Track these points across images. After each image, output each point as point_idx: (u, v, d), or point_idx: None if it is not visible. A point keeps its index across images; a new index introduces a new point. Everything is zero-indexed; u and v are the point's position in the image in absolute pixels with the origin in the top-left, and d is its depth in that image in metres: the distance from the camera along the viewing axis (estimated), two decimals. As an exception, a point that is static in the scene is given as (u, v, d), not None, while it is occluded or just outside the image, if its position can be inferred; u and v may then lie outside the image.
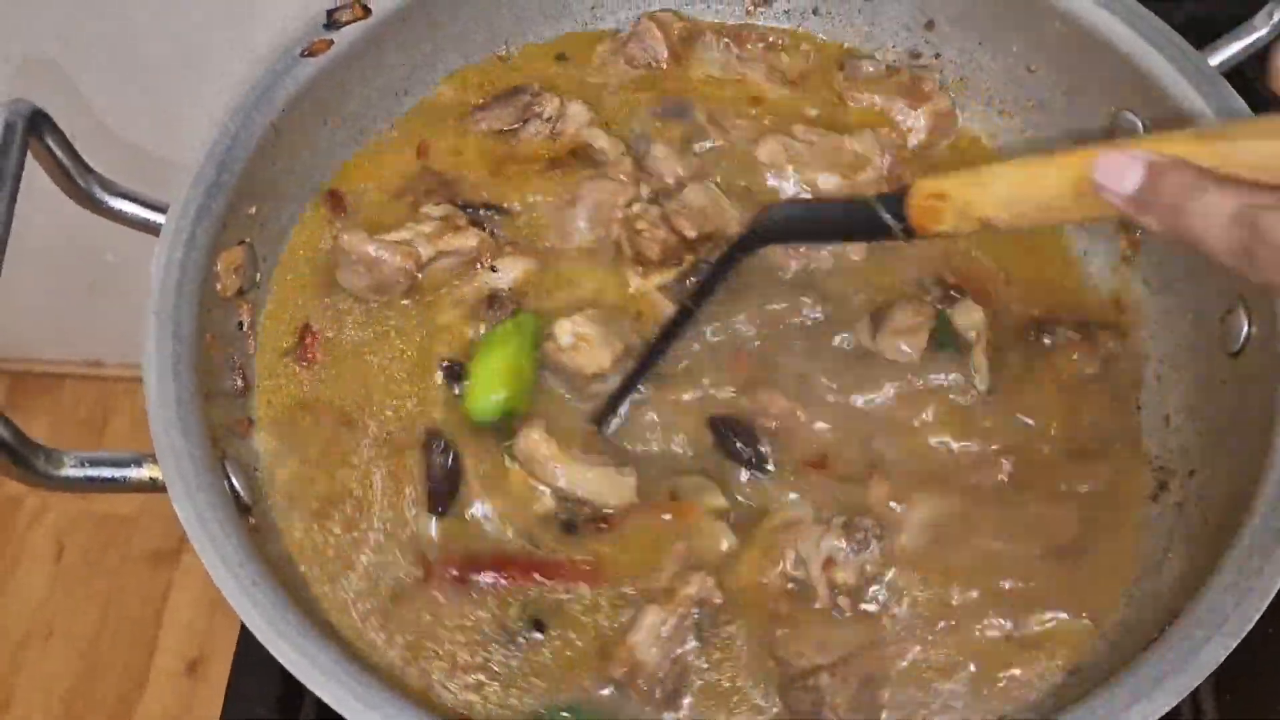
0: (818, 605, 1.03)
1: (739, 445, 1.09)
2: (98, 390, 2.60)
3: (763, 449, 1.10)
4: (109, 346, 2.55)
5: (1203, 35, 1.17)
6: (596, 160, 1.24)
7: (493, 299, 1.16)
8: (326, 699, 0.85)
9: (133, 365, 2.54)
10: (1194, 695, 1.07)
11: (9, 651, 2.37)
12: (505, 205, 1.22)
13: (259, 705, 1.10)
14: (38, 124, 1.01)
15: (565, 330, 1.10)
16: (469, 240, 1.17)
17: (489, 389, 1.10)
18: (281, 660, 0.86)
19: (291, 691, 1.10)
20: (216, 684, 2.23)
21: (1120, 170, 0.79)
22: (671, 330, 1.11)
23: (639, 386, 1.11)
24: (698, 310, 1.11)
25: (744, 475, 1.09)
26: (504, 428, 1.09)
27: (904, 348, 1.12)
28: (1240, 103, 1.11)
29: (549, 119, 1.27)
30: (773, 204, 1.10)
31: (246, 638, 1.14)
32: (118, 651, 2.37)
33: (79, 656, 2.37)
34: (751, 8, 1.35)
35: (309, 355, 1.14)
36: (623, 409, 1.11)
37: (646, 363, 1.11)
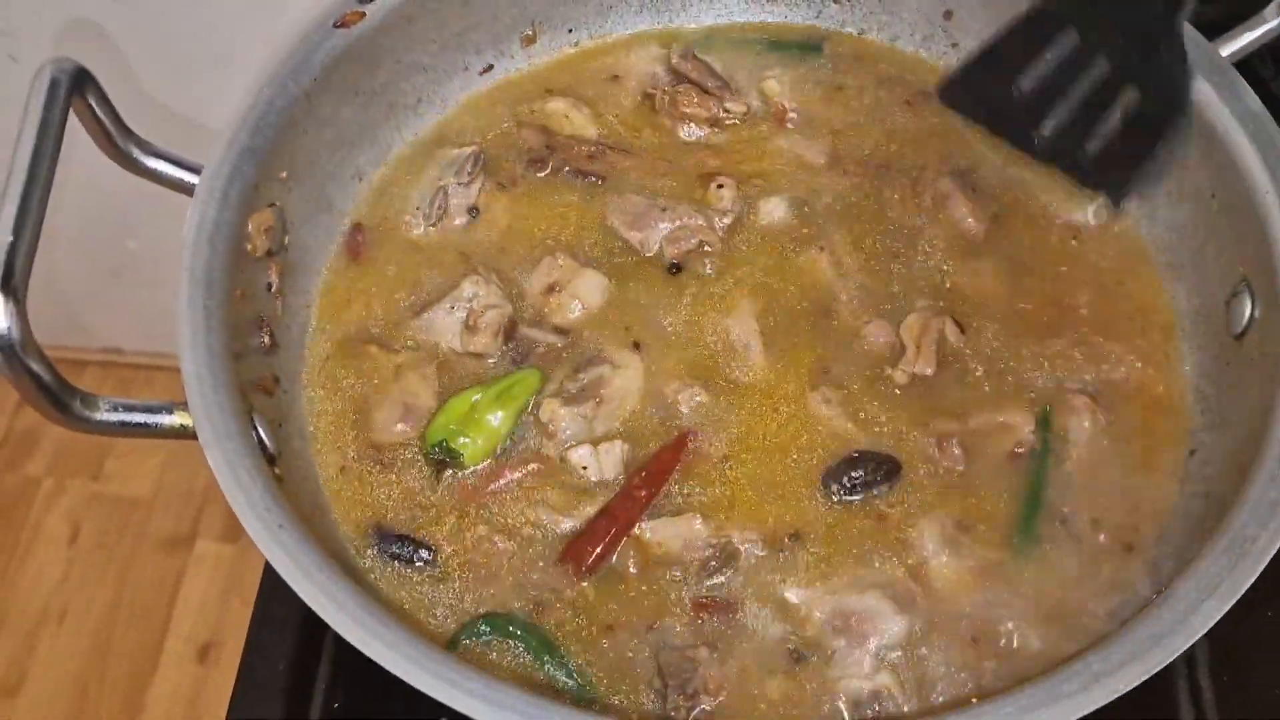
0: None
1: None
2: (116, 378, 2.62)
3: None
4: (128, 334, 2.57)
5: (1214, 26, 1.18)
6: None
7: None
8: (349, 637, 0.87)
9: (151, 354, 2.57)
10: (1191, 675, 1.10)
11: (23, 632, 2.39)
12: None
13: (273, 673, 1.13)
14: (81, 82, 1.03)
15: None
16: None
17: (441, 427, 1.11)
18: (306, 599, 0.88)
19: (306, 657, 1.13)
20: (227, 669, 2.23)
21: None
22: None
23: None
24: None
25: None
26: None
27: None
28: (1250, 94, 1.13)
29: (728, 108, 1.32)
30: None
31: (261, 609, 1.16)
32: (130, 635, 2.39)
33: (91, 639, 2.39)
34: None
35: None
36: None
37: None
